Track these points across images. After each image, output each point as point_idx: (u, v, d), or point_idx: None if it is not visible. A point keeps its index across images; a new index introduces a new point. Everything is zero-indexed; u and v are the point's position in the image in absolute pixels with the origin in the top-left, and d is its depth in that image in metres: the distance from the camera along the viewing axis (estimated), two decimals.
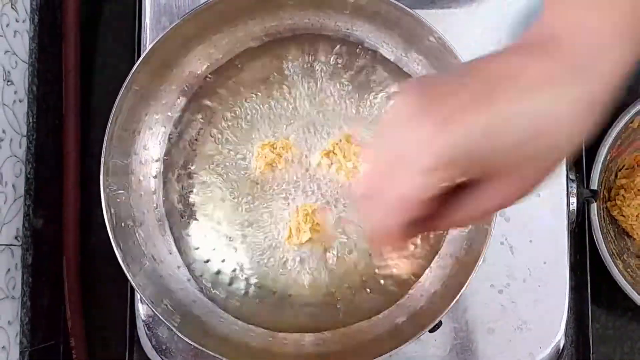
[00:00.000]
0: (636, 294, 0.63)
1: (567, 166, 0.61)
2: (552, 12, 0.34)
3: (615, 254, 0.66)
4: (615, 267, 0.63)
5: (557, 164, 0.33)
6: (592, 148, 0.65)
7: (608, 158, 0.66)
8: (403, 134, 0.31)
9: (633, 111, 0.64)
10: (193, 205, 0.60)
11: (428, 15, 0.53)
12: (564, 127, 0.32)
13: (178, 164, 0.61)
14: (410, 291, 0.59)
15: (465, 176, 0.33)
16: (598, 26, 0.32)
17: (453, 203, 0.34)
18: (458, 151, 0.30)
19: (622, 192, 0.69)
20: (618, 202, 0.69)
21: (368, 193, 0.33)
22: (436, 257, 0.59)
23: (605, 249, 0.63)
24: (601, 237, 0.63)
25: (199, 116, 0.61)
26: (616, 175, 0.71)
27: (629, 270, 0.67)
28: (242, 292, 0.60)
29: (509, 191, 0.33)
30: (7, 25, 0.63)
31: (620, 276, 0.63)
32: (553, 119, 0.31)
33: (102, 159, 0.54)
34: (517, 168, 0.32)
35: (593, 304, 0.66)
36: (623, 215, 0.69)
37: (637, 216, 0.68)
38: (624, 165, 0.71)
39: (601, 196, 0.68)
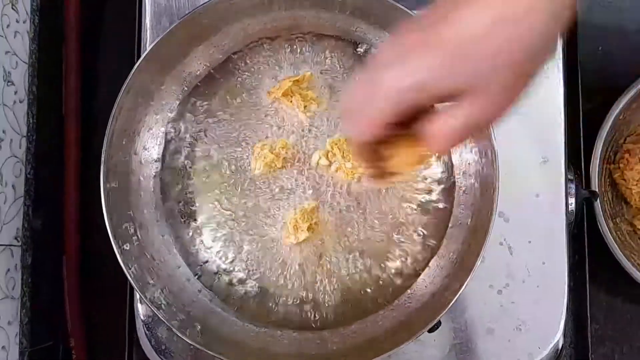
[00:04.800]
0: (622, 255, 0.64)
1: (565, 166, 0.61)
2: None
3: (609, 215, 0.68)
4: (607, 228, 0.64)
5: (535, 68, 0.35)
6: (590, 138, 0.66)
7: (620, 118, 0.66)
8: (381, 61, 0.36)
9: None
10: (192, 205, 0.61)
11: None
12: (537, 29, 0.34)
13: (177, 164, 0.61)
14: (409, 291, 0.59)
15: (439, 99, 0.36)
16: None
17: (433, 121, 0.37)
18: (425, 76, 0.34)
19: (627, 156, 0.70)
20: (621, 166, 0.70)
21: (349, 111, 0.38)
22: (435, 257, 0.59)
23: (600, 209, 0.64)
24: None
25: (199, 117, 0.61)
26: (625, 140, 0.71)
27: (618, 233, 0.68)
28: (242, 291, 0.60)
29: (485, 106, 0.35)
30: (8, 26, 0.63)
31: (610, 237, 0.64)
32: (526, 24, 0.33)
33: (102, 159, 0.54)
34: (495, 78, 0.34)
35: (592, 304, 0.66)
36: (624, 179, 0.70)
37: (637, 181, 0.69)
38: (635, 131, 0.71)
39: (606, 156, 0.69)
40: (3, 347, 0.61)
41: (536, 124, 0.62)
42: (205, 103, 0.61)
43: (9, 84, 0.63)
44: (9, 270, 0.62)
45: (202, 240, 0.60)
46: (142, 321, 0.62)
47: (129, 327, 0.65)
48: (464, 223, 0.58)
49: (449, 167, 0.60)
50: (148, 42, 0.63)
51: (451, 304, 0.52)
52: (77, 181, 0.69)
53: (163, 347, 0.61)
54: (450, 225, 0.59)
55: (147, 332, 0.62)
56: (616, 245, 0.64)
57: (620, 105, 0.65)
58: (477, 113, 0.36)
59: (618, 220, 0.70)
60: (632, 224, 0.71)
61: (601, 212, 0.64)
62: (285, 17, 0.58)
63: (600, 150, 0.65)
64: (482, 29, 0.33)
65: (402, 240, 0.59)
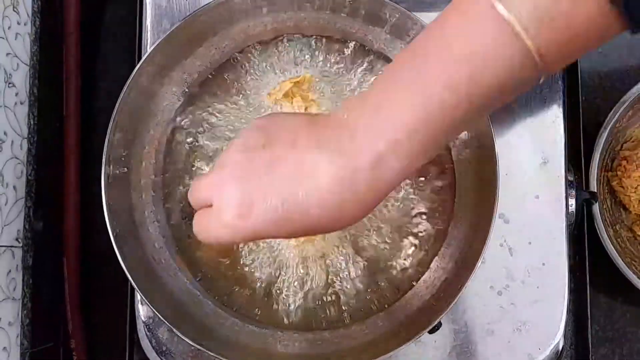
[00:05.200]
0: (622, 262, 0.64)
1: (565, 167, 0.61)
2: (351, 114, 0.40)
3: (608, 223, 0.68)
4: (607, 236, 0.64)
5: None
6: (590, 139, 0.66)
7: (617, 126, 0.66)
8: (224, 189, 0.41)
9: None
10: None
11: (427, 18, 0.54)
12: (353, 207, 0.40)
13: (179, 165, 0.61)
14: (410, 292, 0.59)
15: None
16: (385, 146, 0.38)
17: None
18: (257, 232, 0.41)
19: (624, 163, 0.70)
20: (619, 173, 0.70)
21: (197, 221, 0.45)
22: (435, 258, 0.59)
23: (599, 217, 0.64)
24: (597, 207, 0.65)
25: (199, 118, 0.61)
26: (622, 147, 0.71)
27: (619, 240, 0.68)
28: (243, 292, 0.60)
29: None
30: (9, 28, 0.63)
31: (610, 244, 0.64)
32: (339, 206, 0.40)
33: (103, 161, 0.54)
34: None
35: (592, 305, 0.66)
36: (622, 187, 0.70)
37: (635, 188, 0.69)
38: (631, 138, 0.71)
39: (603, 164, 0.69)
40: (4, 349, 0.61)
41: (536, 125, 0.62)
42: (206, 104, 0.61)
43: (10, 85, 0.63)
44: (10, 271, 0.62)
45: (203, 242, 0.60)
46: (143, 322, 0.62)
47: (129, 327, 0.65)
48: (465, 225, 0.58)
49: (450, 169, 0.60)
50: (149, 43, 0.63)
51: (452, 305, 0.52)
52: (77, 182, 0.70)
53: (164, 348, 0.62)
54: (450, 227, 0.59)
55: (147, 333, 0.62)
56: (616, 253, 0.63)
57: (617, 115, 0.64)
58: None
59: (618, 227, 0.70)
60: (631, 230, 0.71)
61: (600, 220, 0.64)
62: (285, 18, 0.59)
63: (597, 160, 0.65)
64: (307, 203, 0.39)
65: (404, 241, 0.60)
